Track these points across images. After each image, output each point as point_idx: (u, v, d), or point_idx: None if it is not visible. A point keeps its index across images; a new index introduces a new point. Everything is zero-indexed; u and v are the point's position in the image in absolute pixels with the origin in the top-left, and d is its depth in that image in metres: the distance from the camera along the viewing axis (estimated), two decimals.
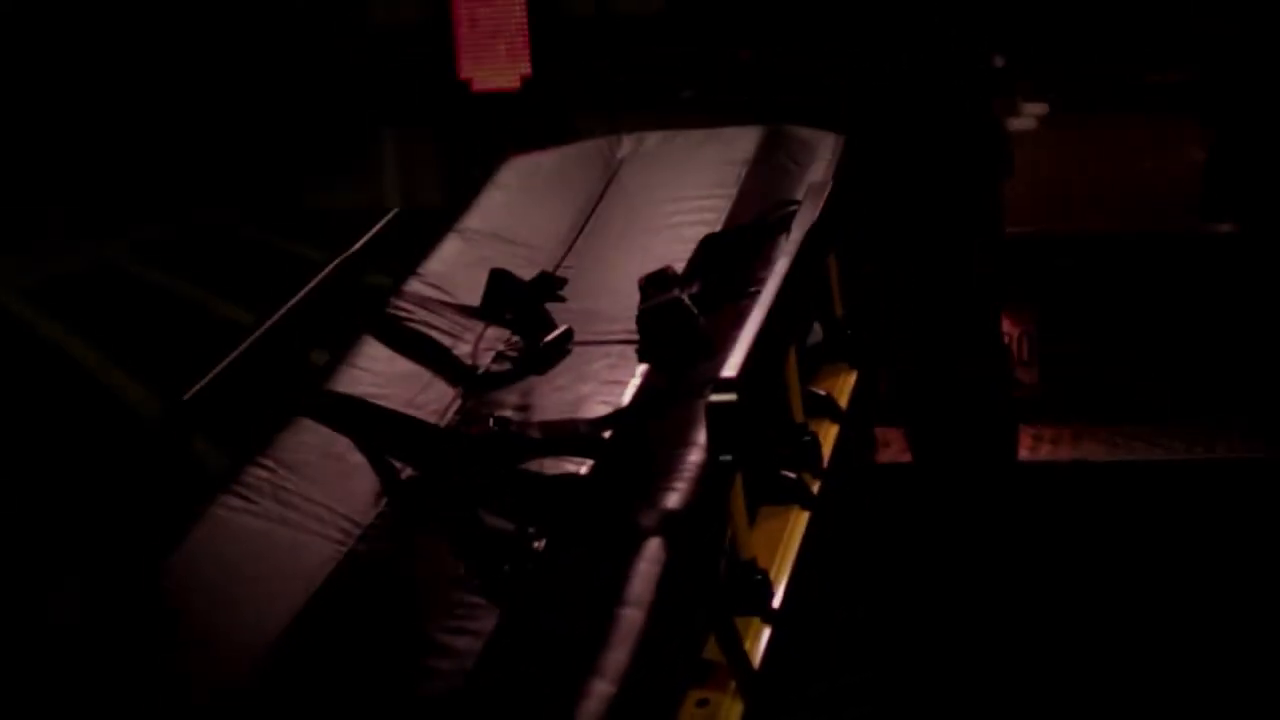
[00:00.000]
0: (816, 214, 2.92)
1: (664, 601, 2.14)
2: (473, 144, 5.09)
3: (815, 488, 2.73)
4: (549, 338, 2.96)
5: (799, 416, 2.74)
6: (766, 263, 2.92)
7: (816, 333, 3.20)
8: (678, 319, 2.86)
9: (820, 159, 3.37)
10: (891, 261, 3.91)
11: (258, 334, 2.72)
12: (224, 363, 2.64)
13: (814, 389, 2.97)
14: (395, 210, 3.22)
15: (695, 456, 2.40)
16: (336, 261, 2.99)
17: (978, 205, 4.00)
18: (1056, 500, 4.62)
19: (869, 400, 3.15)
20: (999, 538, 4.22)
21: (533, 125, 5.13)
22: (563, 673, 2.00)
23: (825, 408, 2.94)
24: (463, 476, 2.55)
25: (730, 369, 2.36)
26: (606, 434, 2.60)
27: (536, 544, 2.31)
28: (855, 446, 3.02)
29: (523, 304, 3.05)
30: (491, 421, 2.69)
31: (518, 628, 2.16)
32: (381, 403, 2.76)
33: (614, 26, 4.98)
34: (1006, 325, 4.79)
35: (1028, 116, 4.86)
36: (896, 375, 4.05)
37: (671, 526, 2.27)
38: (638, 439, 2.52)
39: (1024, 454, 4.60)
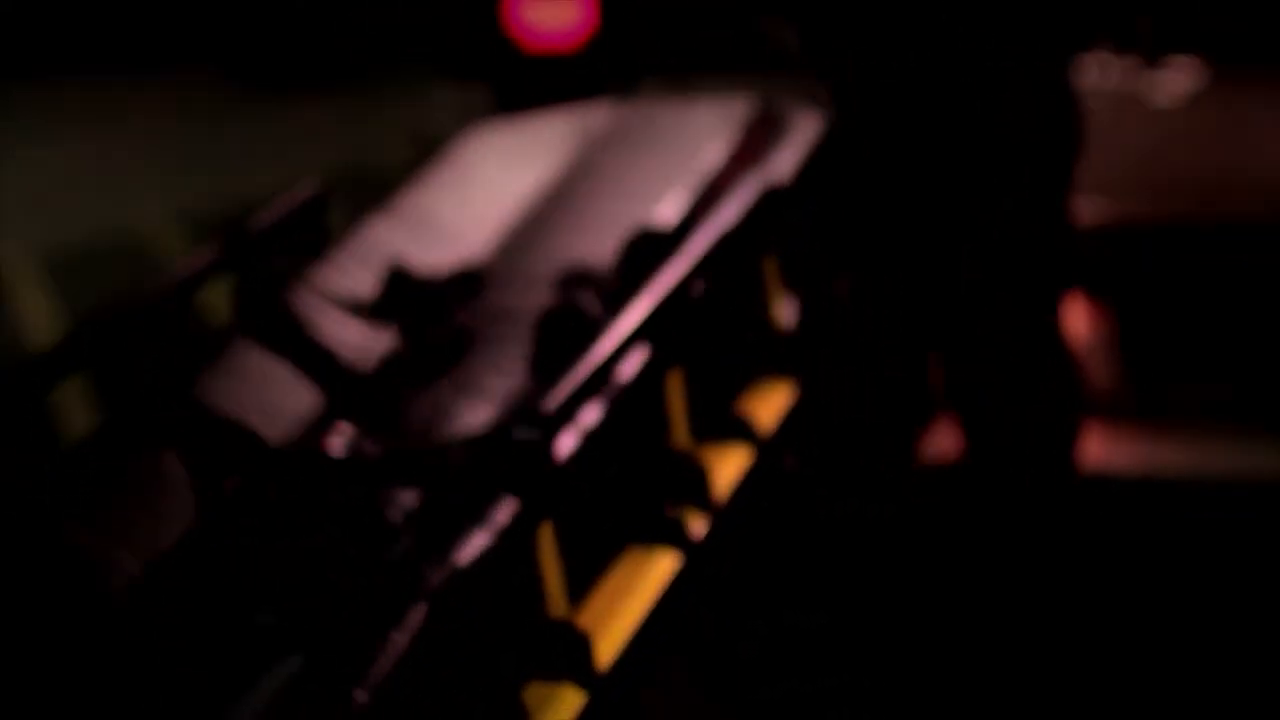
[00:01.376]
0: (734, 215, 2.60)
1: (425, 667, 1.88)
2: (534, 106, 4.82)
3: (700, 525, 2.42)
4: (433, 341, 2.69)
5: (682, 444, 2.42)
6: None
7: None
8: (573, 327, 2.56)
9: (790, 146, 3.04)
10: (917, 247, 3.56)
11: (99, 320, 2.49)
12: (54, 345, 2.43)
13: (733, 409, 2.66)
14: (315, 190, 2.96)
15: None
16: (216, 247, 2.75)
17: (1040, 188, 3.63)
18: (1122, 514, 4.26)
19: (809, 419, 2.82)
20: (1051, 553, 3.88)
21: (596, 89, 4.85)
22: None
23: (738, 430, 2.62)
24: (276, 498, 2.30)
25: (552, 399, 2.08)
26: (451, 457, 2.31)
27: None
28: (782, 472, 2.70)
29: (420, 303, 2.78)
30: (336, 435, 2.42)
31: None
32: (231, 409, 2.52)
33: None
34: (1080, 317, 4.41)
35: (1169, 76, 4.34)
36: (947, 369, 3.73)
37: (456, 580, 1.99)
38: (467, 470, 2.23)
39: (1090, 459, 4.22)
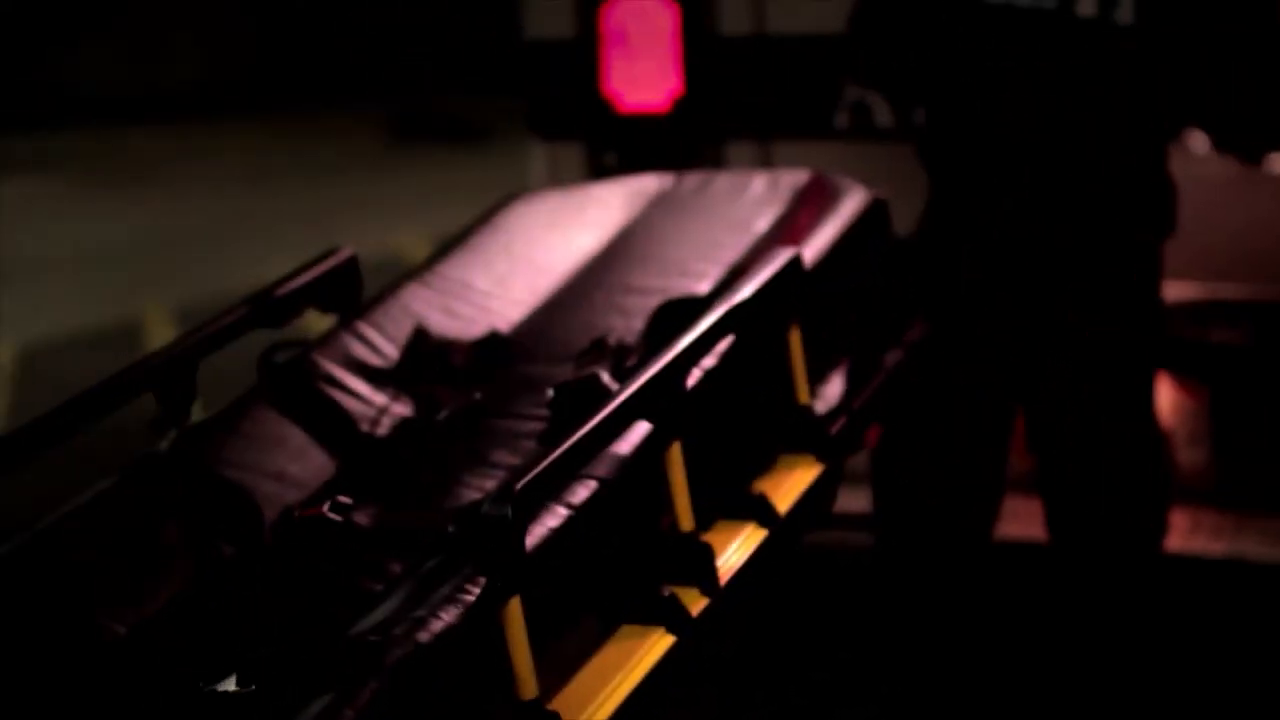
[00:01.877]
0: (750, 290, 2.55)
1: None
2: (623, 163, 4.80)
3: (698, 608, 2.37)
4: (449, 410, 2.67)
5: (686, 524, 2.37)
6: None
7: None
8: (587, 400, 2.52)
9: (835, 219, 2.98)
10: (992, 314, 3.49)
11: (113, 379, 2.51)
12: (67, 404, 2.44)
13: (751, 487, 2.60)
14: (348, 253, 2.95)
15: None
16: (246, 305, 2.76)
17: (1131, 266, 3.55)
18: (1207, 599, 4.14)
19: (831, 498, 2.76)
20: (1130, 631, 3.78)
21: (681, 148, 4.81)
22: None
23: (754, 510, 2.57)
24: (268, 563, 2.29)
25: (527, 476, 2.05)
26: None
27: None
28: (796, 553, 2.64)
29: (441, 369, 2.76)
30: (328, 505, 2.41)
31: None
32: (236, 473, 2.52)
33: (770, 47, 4.61)
34: (1174, 398, 4.30)
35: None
36: (1032, 441, 3.65)
37: (419, 655, 1.96)
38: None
39: (1177, 543, 4.11)
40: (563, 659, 2.30)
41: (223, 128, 14.68)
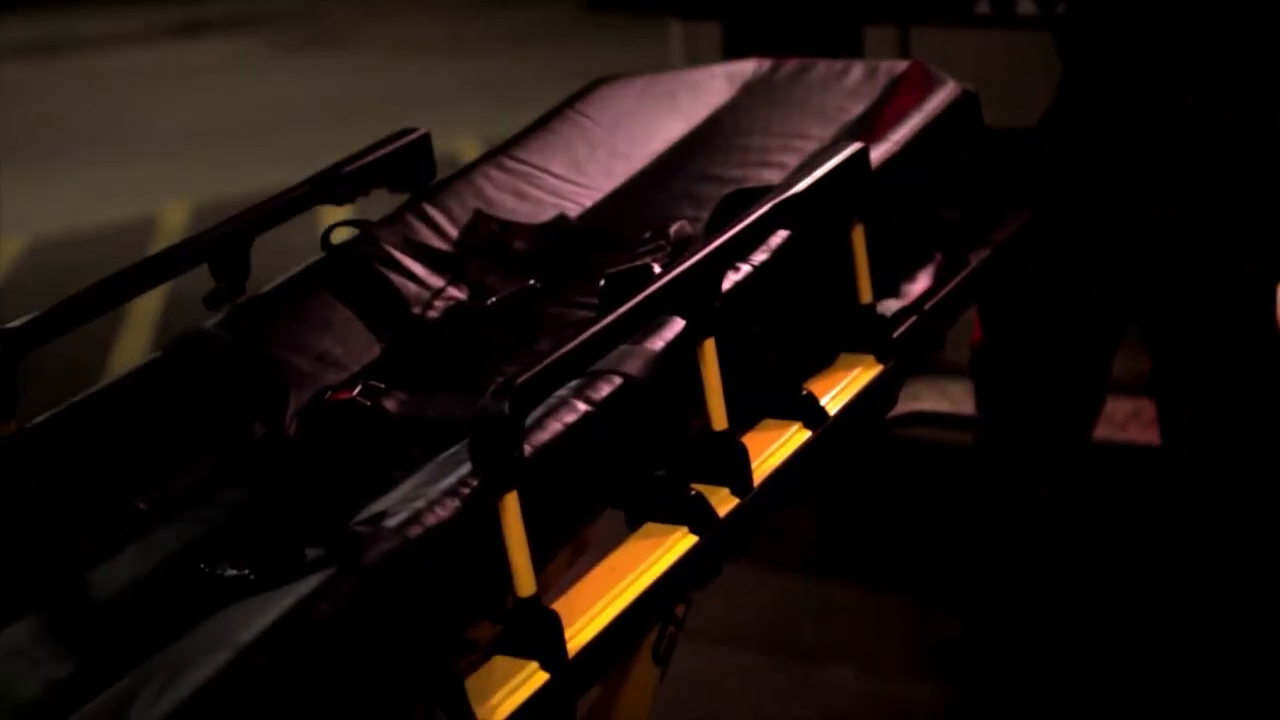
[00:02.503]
0: (804, 184, 2.47)
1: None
2: (759, 43, 4.70)
3: (727, 508, 2.32)
4: (502, 295, 2.63)
5: (719, 423, 2.32)
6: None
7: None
8: (632, 290, 2.46)
9: (914, 116, 2.88)
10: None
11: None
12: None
13: (802, 387, 2.54)
14: (421, 132, 2.92)
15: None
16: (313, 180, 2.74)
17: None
18: None
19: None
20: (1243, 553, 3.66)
21: (818, 30, 4.71)
22: None
23: (800, 410, 2.51)
24: (292, 447, 2.29)
25: (534, 369, 2.01)
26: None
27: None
28: (846, 455, 2.58)
29: (496, 252, 2.72)
30: (359, 389, 2.40)
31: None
32: (281, 351, 2.51)
33: None
34: None
35: None
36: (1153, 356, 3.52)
37: (404, 553, 1.94)
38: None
39: None
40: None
41: None
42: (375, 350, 2.59)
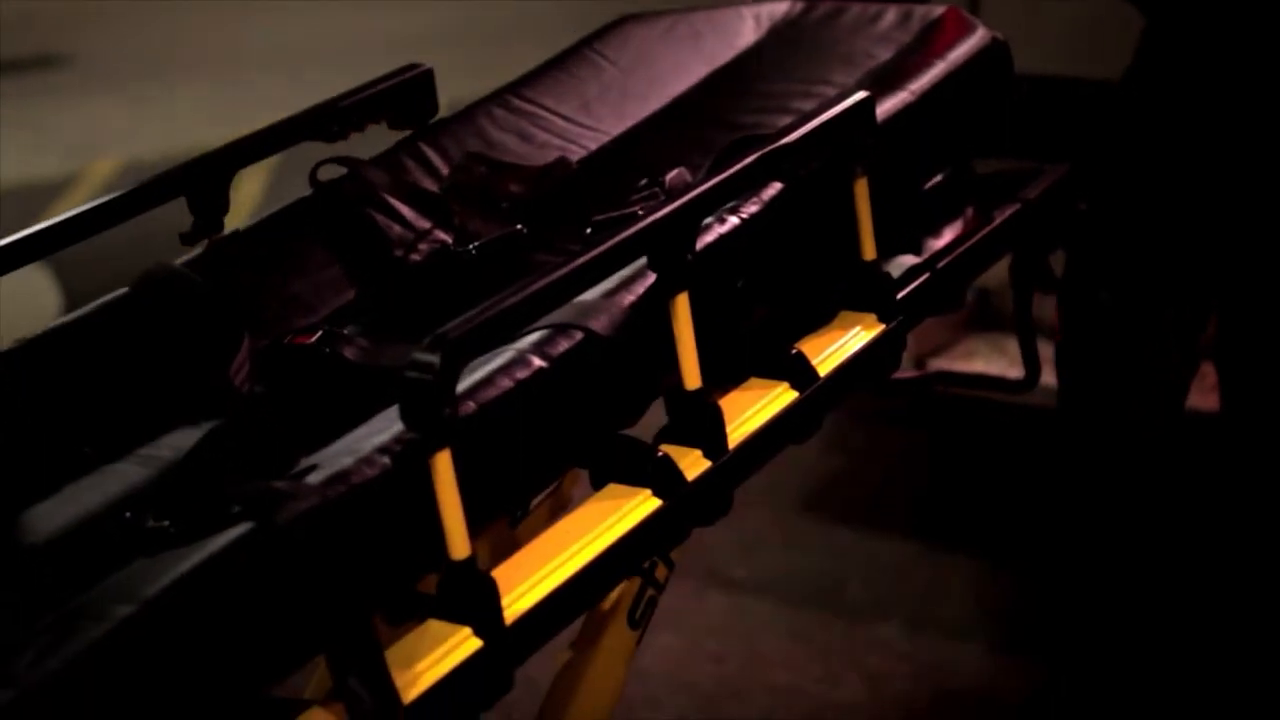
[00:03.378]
0: (797, 135, 2.35)
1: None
2: None
3: (697, 471, 2.21)
4: (484, 240, 2.53)
5: (691, 381, 2.21)
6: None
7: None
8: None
9: (937, 65, 2.74)
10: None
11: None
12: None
13: (793, 345, 2.42)
14: (424, 68, 2.82)
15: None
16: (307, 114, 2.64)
17: None
18: None
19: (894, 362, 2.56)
20: None
21: None
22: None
23: (789, 369, 2.39)
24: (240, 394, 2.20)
25: (468, 321, 1.90)
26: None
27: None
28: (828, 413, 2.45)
29: (484, 195, 2.62)
30: (320, 334, 2.31)
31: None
32: (248, 292, 2.43)
33: None
34: None
35: None
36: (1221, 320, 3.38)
37: (325, 511, 1.85)
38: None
39: None
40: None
41: None
42: (350, 294, 2.49)
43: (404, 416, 1.86)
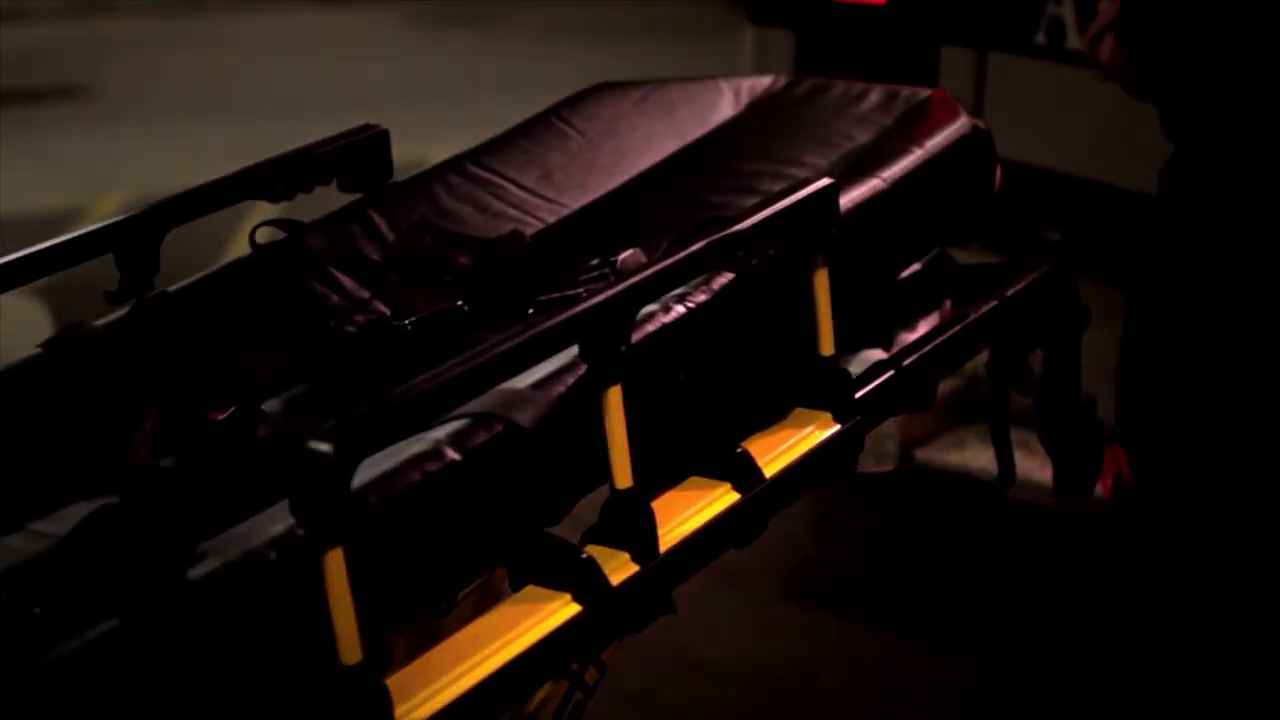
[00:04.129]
0: (749, 223, 2.23)
1: None
2: (833, 57, 4.47)
3: (622, 576, 2.08)
4: (421, 316, 2.41)
5: (621, 480, 2.08)
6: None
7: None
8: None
9: (913, 153, 2.62)
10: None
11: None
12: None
13: (739, 443, 2.29)
14: (379, 129, 2.70)
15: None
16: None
17: None
18: None
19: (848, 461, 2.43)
20: None
21: (895, 47, 4.45)
22: None
23: (732, 469, 2.26)
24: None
25: (373, 407, 1.78)
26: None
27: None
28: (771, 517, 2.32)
29: (426, 268, 2.50)
30: (233, 410, 2.19)
31: None
32: (174, 356, 2.31)
33: None
34: None
35: None
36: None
37: (205, 605, 1.73)
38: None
39: None
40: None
41: None
42: (278, 364, 2.37)
43: (293, 511, 1.73)
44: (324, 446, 1.70)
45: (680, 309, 2.22)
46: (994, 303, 2.73)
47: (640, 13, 13.36)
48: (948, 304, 2.71)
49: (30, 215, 7.65)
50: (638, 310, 2.07)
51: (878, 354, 2.53)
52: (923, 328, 2.64)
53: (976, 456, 4.28)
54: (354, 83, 10.64)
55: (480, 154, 2.82)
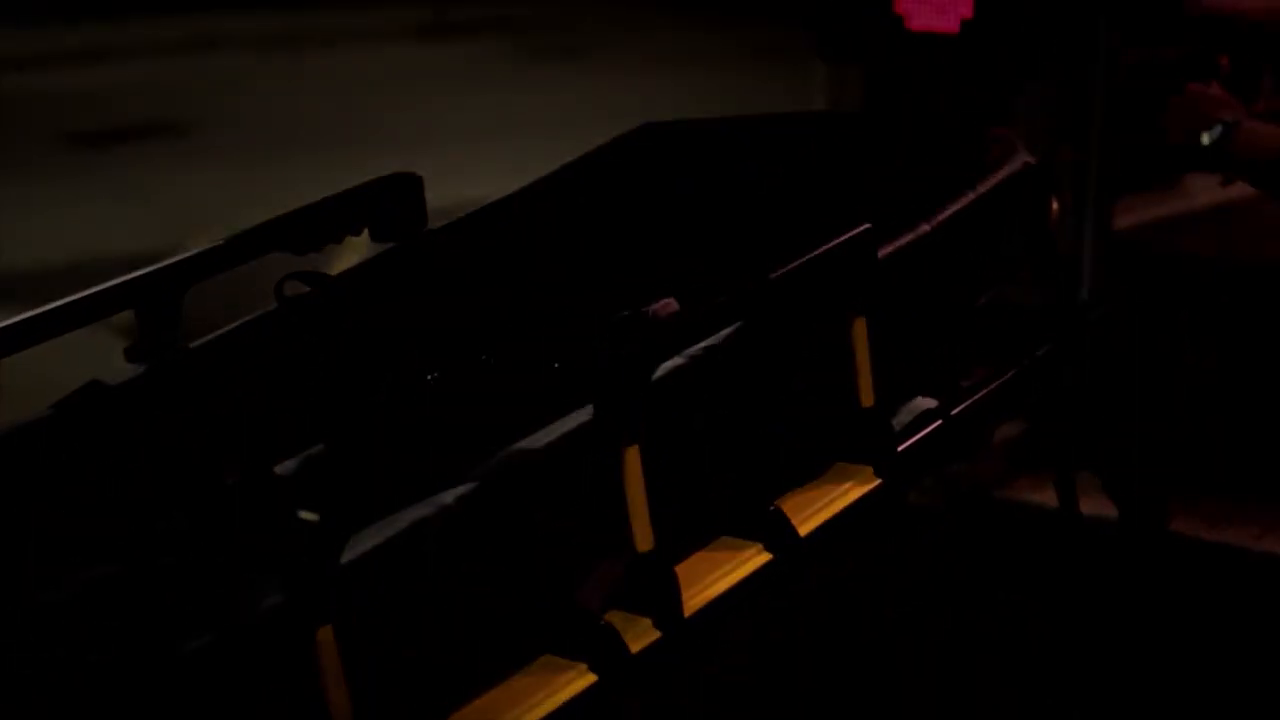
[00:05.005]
0: (780, 273, 2.14)
1: None
2: (905, 87, 4.38)
3: (643, 643, 2.00)
4: (439, 374, 2.34)
5: (642, 543, 2.00)
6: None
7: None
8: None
9: (963, 195, 2.53)
10: None
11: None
12: None
13: (772, 501, 2.21)
14: (410, 175, 2.63)
15: None
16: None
17: None
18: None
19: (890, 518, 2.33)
20: None
21: (967, 75, 4.34)
22: None
23: (764, 529, 2.17)
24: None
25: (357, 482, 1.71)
26: None
27: None
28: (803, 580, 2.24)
29: (441, 323, 2.44)
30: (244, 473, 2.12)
31: None
32: (192, 415, 2.26)
33: None
34: None
35: None
36: None
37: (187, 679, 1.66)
38: None
39: None
40: None
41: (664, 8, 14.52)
42: (297, 422, 2.30)
43: (280, 579, 1.66)
44: (311, 516, 1.63)
45: (707, 361, 2.14)
46: (1049, 350, 2.62)
47: (752, 37, 13.25)
48: (1005, 347, 2.61)
49: (106, 256, 7.67)
50: (656, 368, 1.99)
51: (928, 403, 2.43)
52: (978, 374, 2.54)
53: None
54: (455, 117, 10.63)
55: (516, 199, 2.74)
